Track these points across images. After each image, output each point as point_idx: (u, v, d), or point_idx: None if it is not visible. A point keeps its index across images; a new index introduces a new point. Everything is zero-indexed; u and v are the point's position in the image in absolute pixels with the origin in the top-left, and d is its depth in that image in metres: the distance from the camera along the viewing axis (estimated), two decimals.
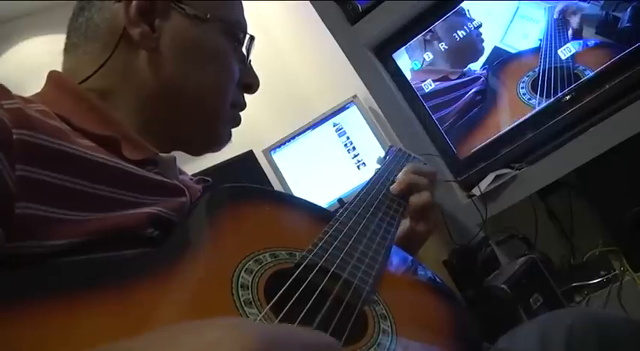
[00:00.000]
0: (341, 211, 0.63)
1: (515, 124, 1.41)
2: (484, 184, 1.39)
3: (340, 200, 1.70)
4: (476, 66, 1.46)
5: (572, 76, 1.34)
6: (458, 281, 1.29)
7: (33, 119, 0.45)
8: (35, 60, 1.82)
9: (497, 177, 1.38)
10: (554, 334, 0.52)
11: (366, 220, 0.62)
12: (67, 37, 0.63)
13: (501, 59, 1.42)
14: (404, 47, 1.53)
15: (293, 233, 0.58)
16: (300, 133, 1.88)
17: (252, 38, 0.68)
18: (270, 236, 0.53)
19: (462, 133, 1.48)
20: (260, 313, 0.41)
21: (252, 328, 0.28)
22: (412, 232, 0.72)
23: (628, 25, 1.28)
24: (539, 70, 1.38)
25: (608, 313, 0.81)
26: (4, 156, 0.41)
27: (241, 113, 0.69)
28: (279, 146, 1.91)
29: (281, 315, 0.41)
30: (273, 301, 0.42)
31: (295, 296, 0.44)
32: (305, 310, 0.42)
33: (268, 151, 1.91)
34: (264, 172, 1.87)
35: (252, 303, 0.42)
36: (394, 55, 1.54)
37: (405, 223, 0.73)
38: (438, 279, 0.61)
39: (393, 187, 0.72)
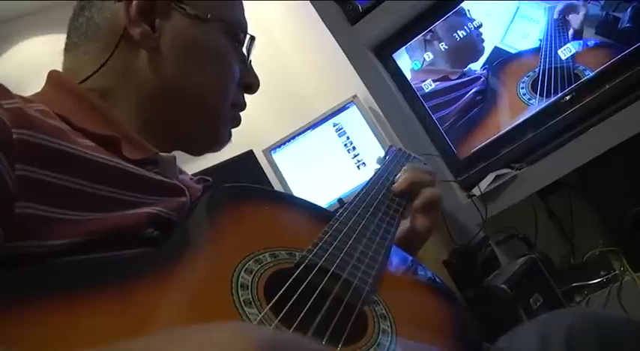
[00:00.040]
0: (341, 211, 0.62)
1: (515, 124, 1.41)
2: (484, 184, 1.39)
3: (340, 200, 1.70)
4: (476, 66, 1.46)
5: (572, 76, 1.34)
6: (458, 281, 1.29)
7: (33, 119, 0.45)
8: (35, 60, 1.82)
9: (497, 177, 1.38)
10: (554, 334, 0.52)
11: (366, 220, 0.62)
12: (68, 37, 0.63)
13: (501, 59, 1.42)
14: (404, 47, 1.53)
15: (293, 233, 0.58)
16: (300, 133, 1.88)
17: (252, 38, 0.68)
18: (270, 236, 0.53)
19: (462, 133, 1.48)
20: (260, 313, 0.41)
21: (253, 333, 0.28)
22: (412, 232, 0.72)
23: (628, 25, 1.28)
24: (540, 70, 1.38)
25: (608, 313, 0.81)
26: (3, 156, 0.41)
27: (241, 113, 0.69)
28: (279, 146, 1.91)
29: (281, 315, 0.41)
30: (273, 301, 0.42)
31: (295, 296, 0.43)
32: (305, 310, 0.42)
33: (268, 151, 1.91)
34: (264, 172, 1.87)
35: (252, 303, 0.42)
36: (394, 55, 1.54)
37: (405, 224, 0.73)
38: (437, 279, 0.61)
39: (395, 186, 0.72)
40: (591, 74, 1.32)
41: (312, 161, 1.87)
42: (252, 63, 0.70)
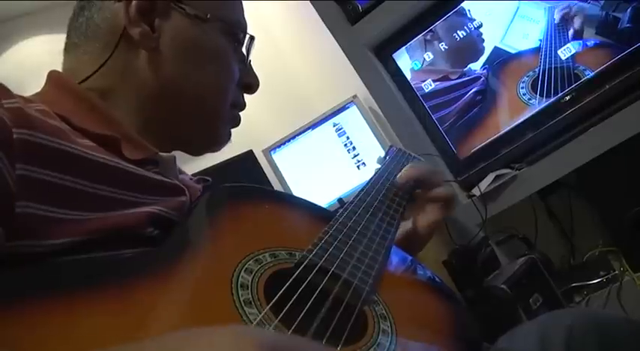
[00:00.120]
0: (341, 211, 0.62)
1: (515, 124, 1.41)
2: (484, 184, 1.39)
3: (340, 200, 1.70)
4: (476, 66, 1.46)
5: (573, 77, 1.34)
6: (458, 281, 1.29)
7: (33, 119, 0.45)
8: (35, 59, 1.82)
9: (497, 177, 1.38)
10: (554, 335, 0.52)
11: (366, 220, 0.62)
12: (67, 37, 0.63)
13: (501, 59, 1.42)
14: (404, 47, 1.53)
15: (293, 233, 0.58)
16: (300, 133, 1.88)
17: (252, 38, 0.68)
18: (269, 236, 0.53)
19: (462, 133, 1.48)
20: (260, 313, 0.41)
21: (252, 335, 0.28)
22: (414, 233, 0.72)
23: (628, 25, 1.28)
24: (540, 70, 1.38)
25: (608, 313, 0.81)
26: (4, 155, 0.41)
27: (241, 113, 0.69)
28: (279, 146, 1.91)
29: (281, 315, 0.41)
30: (273, 301, 0.42)
31: (295, 296, 0.43)
32: (305, 310, 0.42)
33: (268, 151, 1.91)
34: (264, 172, 1.87)
35: (252, 303, 0.42)
36: (394, 55, 1.54)
37: (406, 225, 0.73)
38: (437, 279, 0.61)
39: (400, 176, 0.70)
40: (591, 74, 1.32)
41: (312, 161, 1.87)
42: (251, 63, 0.70)
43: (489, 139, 1.44)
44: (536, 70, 1.38)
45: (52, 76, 0.59)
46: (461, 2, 1.45)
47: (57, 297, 0.36)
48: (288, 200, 0.69)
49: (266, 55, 1.62)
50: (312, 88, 2.06)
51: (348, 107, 1.80)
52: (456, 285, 1.29)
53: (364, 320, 0.47)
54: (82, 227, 0.45)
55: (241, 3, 0.68)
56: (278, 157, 1.91)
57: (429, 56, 1.51)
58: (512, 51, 1.41)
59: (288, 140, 1.90)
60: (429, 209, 0.71)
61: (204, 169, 1.53)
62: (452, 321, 0.54)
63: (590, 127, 1.28)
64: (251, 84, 0.69)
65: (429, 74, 1.51)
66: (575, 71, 1.34)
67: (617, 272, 1.30)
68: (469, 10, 1.45)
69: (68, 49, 0.62)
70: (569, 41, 1.34)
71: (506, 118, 1.42)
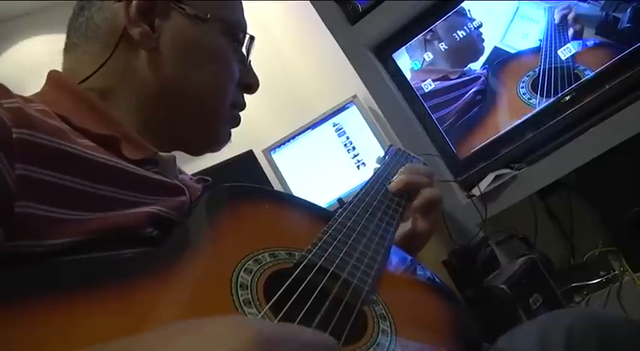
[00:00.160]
0: (340, 211, 0.62)
1: (515, 124, 1.41)
2: (484, 184, 1.39)
3: (340, 200, 1.70)
4: (476, 66, 1.46)
5: (573, 76, 1.34)
6: (457, 281, 1.29)
7: (33, 118, 0.45)
8: (35, 59, 1.82)
9: (497, 177, 1.38)
10: (554, 335, 0.52)
11: (366, 220, 0.62)
12: (67, 37, 0.63)
13: (501, 59, 1.42)
14: (404, 47, 1.53)
15: (292, 233, 0.58)
16: (299, 133, 1.88)
17: (252, 38, 0.68)
18: (269, 236, 0.53)
19: (462, 133, 1.48)
20: (259, 312, 0.41)
21: (251, 326, 0.28)
22: (413, 233, 0.72)
23: (628, 25, 1.28)
24: (540, 70, 1.38)
25: (608, 313, 0.81)
26: (3, 155, 0.41)
27: (241, 113, 0.69)
28: (278, 146, 1.91)
29: (280, 315, 0.41)
30: (273, 300, 0.42)
31: (295, 296, 0.44)
32: (304, 310, 0.42)
33: (268, 151, 1.91)
34: (263, 172, 1.87)
35: (252, 303, 0.42)
36: (394, 55, 1.54)
37: (405, 225, 0.73)
38: (437, 279, 0.61)
39: (392, 186, 0.71)
40: (591, 74, 1.32)
41: (312, 161, 1.87)
42: (251, 63, 0.70)
43: (489, 139, 1.44)
44: (536, 69, 1.38)
45: (52, 76, 0.59)
46: (461, 2, 1.45)
47: (57, 296, 0.36)
48: (287, 200, 0.69)
49: (266, 55, 1.62)
50: (312, 88, 2.06)
51: (348, 107, 1.80)
52: (455, 285, 1.28)
53: (364, 320, 0.47)
54: (82, 227, 0.45)
55: (241, 3, 0.68)
56: (278, 157, 1.91)
57: (428, 56, 1.51)
58: (512, 51, 1.41)
59: (288, 140, 1.90)
60: (421, 211, 0.71)
61: (204, 169, 1.53)
62: (452, 321, 0.54)
63: (590, 127, 1.28)
64: (251, 84, 0.69)
65: (428, 74, 1.51)
66: (575, 71, 1.34)
67: (617, 272, 1.30)
68: (469, 10, 1.45)
69: (68, 49, 0.62)
70: (569, 41, 1.34)
71: (506, 118, 1.43)
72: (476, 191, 1.40)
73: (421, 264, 0.63)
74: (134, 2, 0.57)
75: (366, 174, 1.74)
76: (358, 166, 1.81)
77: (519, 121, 1.40)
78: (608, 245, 1.38)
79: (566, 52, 1.35)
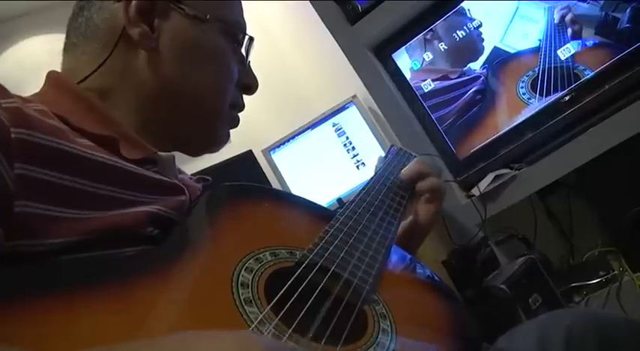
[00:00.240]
0: (342, 210, 0.63)
1: (515, 124, 1.41)
2: (483, 184, 1.39)
3: (339, 200, 1.70)
4: (476, 65, 1.46)
5: (572, 76, 1.34)
6: (457, 281, 1.29)
7: (31, 118, 0.45)
8: (35, 59, 1.82)
9: (496, 177, 1.38)
10: (553, 334, 0.52)
11: (367, 220, 0.62)
12: (67, 37, 0.63)
13: (501, 59, 1.42)
14: (404, 47, 1.53)
15: (293, 232, 0.58)
16: (299, 133, 1.88)
17: (251, 39, 0.67)
18: (270, 235, 0.53)
19: (462, 133, 1.48)
20: (260, 312, 0.41)
21: (254, 342, 0.28)
22: (414, 224, 0.72)
23: (627, 25, 1.28)
24: (539, 69, 1.38)
25: (608, 313, 0.81)
26: (2, 155, 0.41)
27: (240, 113, 0.69)
28: (278, 146, 1.91)
29: (281, 314, 0.41)
30: (274, 300, 0.42)
31: (296, 295, 0.44)
32: (305, 309, 0.42)
33: (267, 151, 1.91)
34: (263, 172, 1.87)
35: (253, 302, 0.42)
36: (394, 55, 1.54)
37: (406, 221, 0.73)
38: (437, 278, 0.62)
39: (404, 172, 0.75)
40: (591, 74, 1.32)
41: (312, 161, 1.87)
42: (250, 64, 0.70)
43: (489, 139, 1.44)
44: (536, 69, 1.38)
45: (51, 76, 0.59)
46: (460, 2, 1.45)
47: (57, 295, 0.36)
48: (288, 199, 0.69)
49: (265, 55, 1.62)
50: (312, 88, 2.06)
51: (348, 107, 1.80)
52: (455, 285, 1.28)
53: (364, 319, 0.47)
54: (82, 226, 0.45)
55: (241, 3, 0.68)
56: (277, 157, 1.91)
57: (428, 56, 1.51)
58: (512, 51, 1.41)
59: (288, 140, 1.90)
60: (423, 200, 0.74)
61: (204, 169, 1.53)
62: (451, 320, 0.54)
63: (590, 127, 1.28)
64: (250, 85, 0.69)
65: (428, 74, 1.51)
66: (575, 71, 1.34)
67: (616, 272, 1.30)
68: (469, 10, 1.45)
69: (67, 49, 0.62)
70: (568, 41, 1.34)
71: (505, 118, 1.43)
72: (475, 191, 1.40)
73: (421, 263, 0.63)
74: (133, 2, 0.57)
75: (366, 174, 1.74)
76: (358, 166, 1.81)
77: (519, 121, 1.40)
78: (607, 245, 1.38)
79: (565, 52, 1.35)
